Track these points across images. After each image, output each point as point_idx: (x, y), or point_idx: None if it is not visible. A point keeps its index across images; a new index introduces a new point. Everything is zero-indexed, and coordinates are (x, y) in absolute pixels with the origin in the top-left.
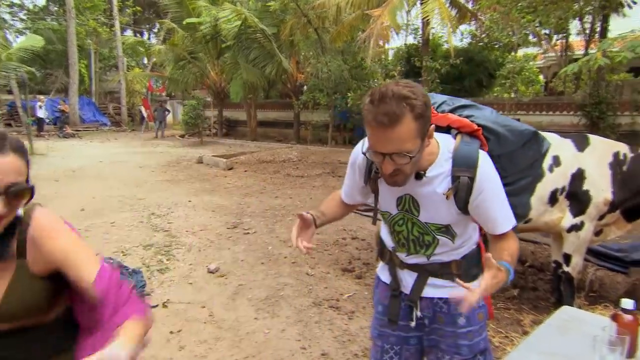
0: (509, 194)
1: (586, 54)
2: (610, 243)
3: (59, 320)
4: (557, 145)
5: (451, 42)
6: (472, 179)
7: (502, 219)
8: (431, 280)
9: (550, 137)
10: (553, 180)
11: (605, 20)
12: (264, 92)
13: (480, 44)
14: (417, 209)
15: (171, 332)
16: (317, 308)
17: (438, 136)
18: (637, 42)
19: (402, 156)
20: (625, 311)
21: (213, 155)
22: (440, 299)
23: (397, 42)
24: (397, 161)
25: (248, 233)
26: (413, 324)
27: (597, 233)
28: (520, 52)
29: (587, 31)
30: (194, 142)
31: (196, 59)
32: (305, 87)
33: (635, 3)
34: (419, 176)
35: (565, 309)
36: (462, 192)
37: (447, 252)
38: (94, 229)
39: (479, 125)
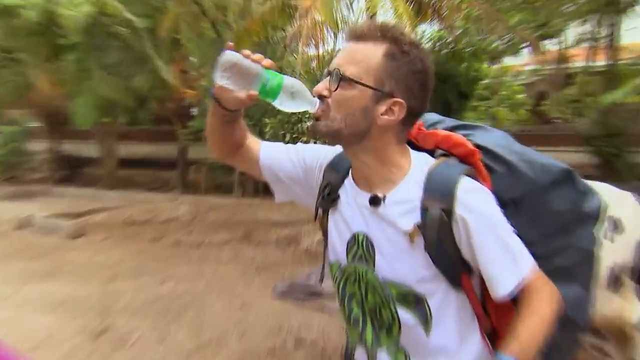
0: None
1: (588, 66)
2: None
3: None
4: (615, 201)
5: None
6: (448, 214)
7: (500, 272)
8: None
9: (601, 188)
10: (613, 253)
11: (614, 23)
12: (129, 115)
13: (445, 50)
14: (372, 256)
15: None
16: None
17: (416, 153)
18: None
19: (336, 76)
20: None
21: (48, 215)
22: None
23: (335, 44)
24: (331, 83)
25: (125, 345)
26: None
27: None
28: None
29: (593, 36)
30: (12, 192)
31: (16, 60)
32: (195, 110)
33: None
34: (375, 201)
35: None
36: (431, 232)
37: (421, 353)
38: None
39: (477, 146)
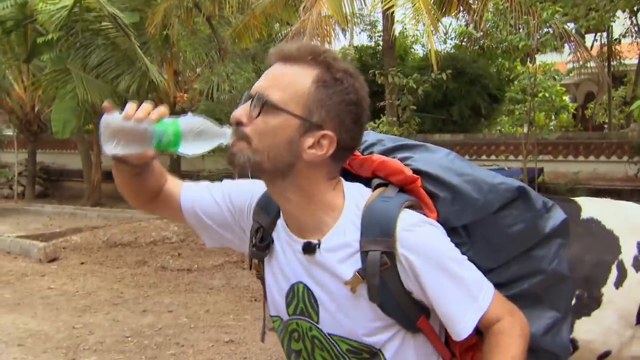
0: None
1: None
2: None
3: None
4: None
5: (432, 45)
6: (390, 256)
7: (458, 312)
8: None
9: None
10: None
11: None
12: None
13: (475, 47)
14: (316, 310)
15: None
16: None
17: (349, 186)
18: None
19: (259, 100)
20: None
21: (18, 236)
22: None
23: (342, 42)
24: (252, 109)
25: None
26: None
27: None
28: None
29: None
30: None
31: None
32: (190, 114)
33: None
34: (309, 248)
35: None
36: (373, 278)
37: None
38: None
39: (416, 171)
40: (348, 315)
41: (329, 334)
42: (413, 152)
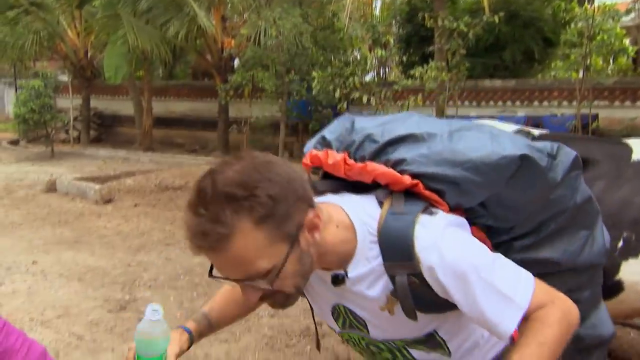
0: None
1: None
2: None
3: None
4: None
5: None
6: (417, 276)
7: (497, 319)
8: None
9: None
10: None
11: None
12: (165, 68)
13: None
14: (363, 324)
15: None
16: None
17: (351, 208)
18: None
19: (261, 280)
20: None
21: (76, 178)
22: None
23: None
24: (259, 286)
25: None
26: None
27: None
28: (595, 3)
29: None
30: (39, 153)
31: (40, 7)
32: (237, 61)
33: None
34: (337, 280)
35: None
36: (406, 300)
37: None
38: None
39: (414, 175)
40: (395, 327)
41: (383, 339)
42: (405, 150)
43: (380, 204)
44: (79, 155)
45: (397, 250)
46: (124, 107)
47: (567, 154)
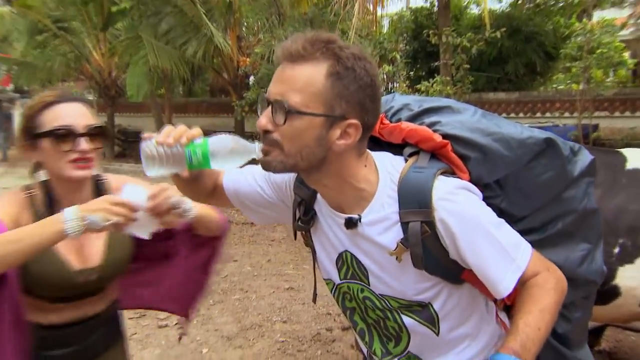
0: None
1: None
2: None
3: (110, 309)
4: None
5: (485, 5)
6: (429, 225)
7: (498, 273)
8: None
9: None
10: None
11: None
12: (184, 85)
13: (530, 5)
14: (365, 275)
15: None
16: None
17: (379, 158)
18: None
19: (281, 108)
20: None
21: None
22: None
23: (397, 4)
24: (275, 116)
25: (166, 326)
26: None
27: None
28: (594, 18)
29: None
30: None
31: (67, 30)
32: (252, 78)
33: None
34: (350, 223)
35: None
36: (416, 247)
37: (435, 350)
38: None
39: (446, 136)
40: (396, 279)
41: (380, 294)
42: (440, 116)
43: (406, 160)
44: (104, 170)
45: (414, 199)
46: (146, 123)
47: (586, 156)
